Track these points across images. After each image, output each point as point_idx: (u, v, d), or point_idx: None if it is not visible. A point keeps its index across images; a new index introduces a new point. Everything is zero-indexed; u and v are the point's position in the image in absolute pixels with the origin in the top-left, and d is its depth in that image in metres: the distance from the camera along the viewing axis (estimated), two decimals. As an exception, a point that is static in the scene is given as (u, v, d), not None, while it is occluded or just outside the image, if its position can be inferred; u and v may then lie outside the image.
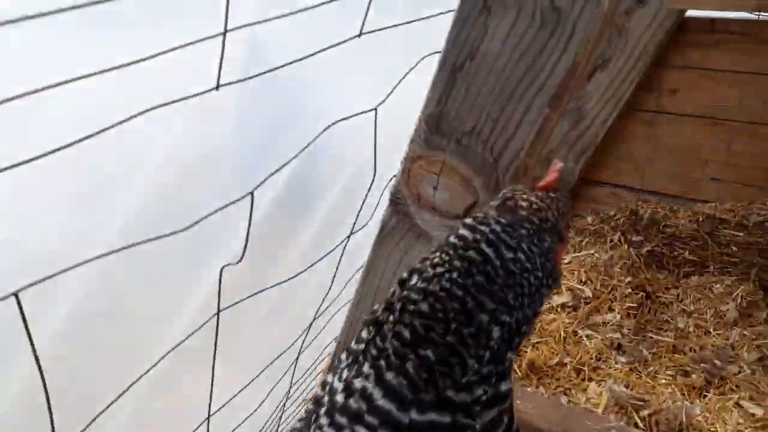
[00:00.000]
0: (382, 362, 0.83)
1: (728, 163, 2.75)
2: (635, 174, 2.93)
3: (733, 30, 2.58)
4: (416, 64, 1.27)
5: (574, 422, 1.95)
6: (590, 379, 2.39)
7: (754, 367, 2.47)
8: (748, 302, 2.75)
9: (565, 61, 1.18)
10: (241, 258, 0.97)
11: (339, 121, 1.13)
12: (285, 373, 1.48)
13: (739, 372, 2.46)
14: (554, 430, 1.87)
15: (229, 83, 0.81)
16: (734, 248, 2.84)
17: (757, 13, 2.47)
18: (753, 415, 2.23)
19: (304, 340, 1.46)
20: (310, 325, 1.44)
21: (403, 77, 1.26)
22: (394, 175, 1.52)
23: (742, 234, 2.83)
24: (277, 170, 0.95)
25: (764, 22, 2.51)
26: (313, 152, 1.13)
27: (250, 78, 0.87)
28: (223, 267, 0.99)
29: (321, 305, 1.43)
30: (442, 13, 1.19)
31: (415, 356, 0.82)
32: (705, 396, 2.34)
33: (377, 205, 1.47)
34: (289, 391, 1.57)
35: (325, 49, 0.97)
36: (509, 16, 1.19)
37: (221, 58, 0.77)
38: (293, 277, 1.27)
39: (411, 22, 1.17)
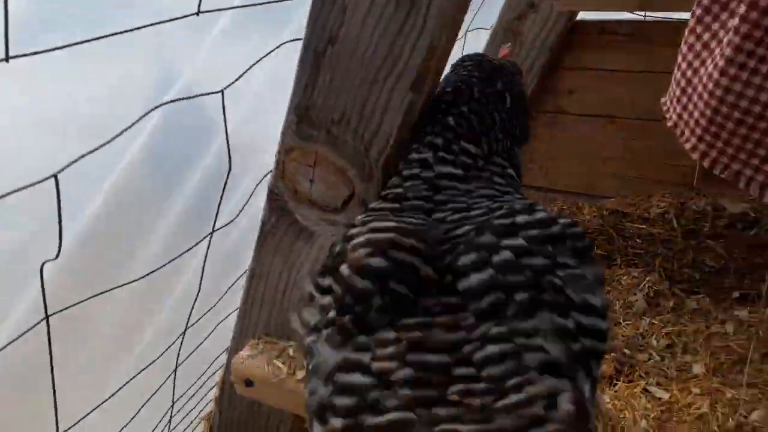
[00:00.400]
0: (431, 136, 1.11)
1: (626, 159, 2.85)
2: (540, 173, 2.99)
3: (622, 31, 2.69)
4: (274, 50, 1.23)
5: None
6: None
7: (663, 354, 2.53)
8: (654, 292, 2.83)
9: (423, 41, 1.16)
10: (58, 254, 0.89)
11: (176, 100, 1.06)
12: (160, 387, 1.37)
13: (649, 359, 2.51)
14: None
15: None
16: (638, 240, 2.93)
17: (642, 13, 2.59)
18: (659, 399, 2.27)
19: (180, 350, 1.37)
20: (184, 333, 1.35)
21: (257, 62, 1.22)
22: (271, 170, 1.46)
23: (644, 226, 2.92)
24: (83, 156, 0.87)
25: (650, 23, 2.63)
26: (171, 136, 1.07)
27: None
28: (43, 263, 0.89)
29: (191, 313, 1.34)
30: (298, -3, 1.16)
31: (452, 114, 1.12)
32: (615, 384, 2.37)
33: (248, 201, 1.40)
34: (171, 408, 1.47)
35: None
36: (364, -3, 1.17)
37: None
38: (144, 276, 1.18)
39: (257, 4, 1.13)
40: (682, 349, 2.54)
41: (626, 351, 2.51)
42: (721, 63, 1.35)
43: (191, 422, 1.77)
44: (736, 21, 1.31)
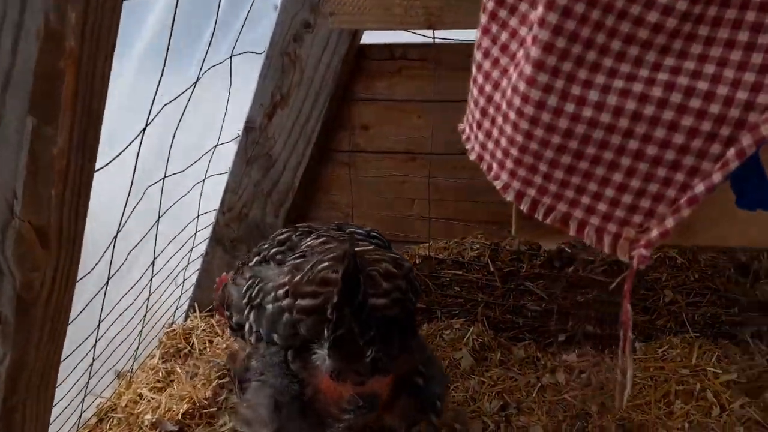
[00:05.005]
0: None
1: (433, 199, 2.54)
2: (344, 220, 2.57)
3: (412, 56, 2.40)
4: None
5: None
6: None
7: (497, 418, 2.25)
8: (480, 344, 2.55)
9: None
10: None
11: None
12: None
13: (484, 429, 2.19)
14: None
15: None
16: (457, 288, 2.64)
17: (431, 36, 2.30)
18: (495, 480, 1.95)
19: None
20: None
21: None
22: None
23: (460, 272, 2.64)
24: None
25: (440, 46, 2.35)
26: None
27: None
28: None
29: None
30: None
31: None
32: (450, 469, 2.01)
33: None
34: None
35: None
36: None
37: None
38: None
39: None
40: (516, 409, 2.28)
41: (457, 426, 2.17)
42: (527, 70, 0.98)
43: None
44: (540, 11, 0.95)
